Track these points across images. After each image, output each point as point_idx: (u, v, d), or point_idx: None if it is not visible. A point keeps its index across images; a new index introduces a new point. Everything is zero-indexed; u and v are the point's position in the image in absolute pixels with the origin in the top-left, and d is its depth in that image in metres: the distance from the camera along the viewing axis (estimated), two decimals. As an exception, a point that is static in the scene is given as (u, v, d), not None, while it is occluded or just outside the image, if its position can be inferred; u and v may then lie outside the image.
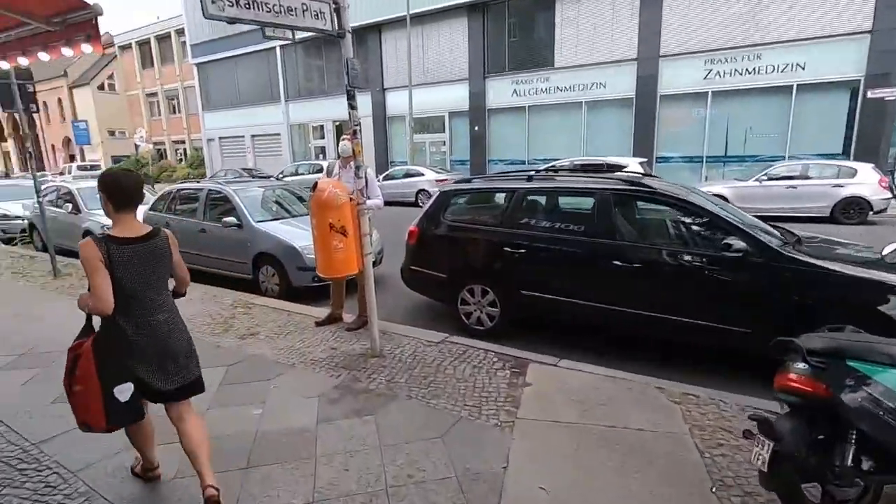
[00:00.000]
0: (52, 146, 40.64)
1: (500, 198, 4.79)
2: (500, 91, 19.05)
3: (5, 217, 10.59)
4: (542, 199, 4.70)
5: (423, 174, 16.26)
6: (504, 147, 19.54)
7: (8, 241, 10.47)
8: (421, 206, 15.80)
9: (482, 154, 19.76)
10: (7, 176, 28.92)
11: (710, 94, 15.34)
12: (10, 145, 45.74)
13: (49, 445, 2.84)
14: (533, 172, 4.95)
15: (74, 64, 37.94)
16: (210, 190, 6.77)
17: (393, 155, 22.46)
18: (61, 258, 8.03)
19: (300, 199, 7.06)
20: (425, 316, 5.23)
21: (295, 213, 6.64)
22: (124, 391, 2.06)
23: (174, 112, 35.00)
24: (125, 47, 36.07)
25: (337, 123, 23.99)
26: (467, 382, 3.50)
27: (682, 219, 4.00)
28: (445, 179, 15.25)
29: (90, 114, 36.70)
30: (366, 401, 3.28)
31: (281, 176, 19.57)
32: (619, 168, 10.25)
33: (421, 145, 21.31)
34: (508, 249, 4.35)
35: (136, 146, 36.40)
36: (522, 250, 4.29)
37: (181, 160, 35.25)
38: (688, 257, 3.70)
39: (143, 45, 34.91)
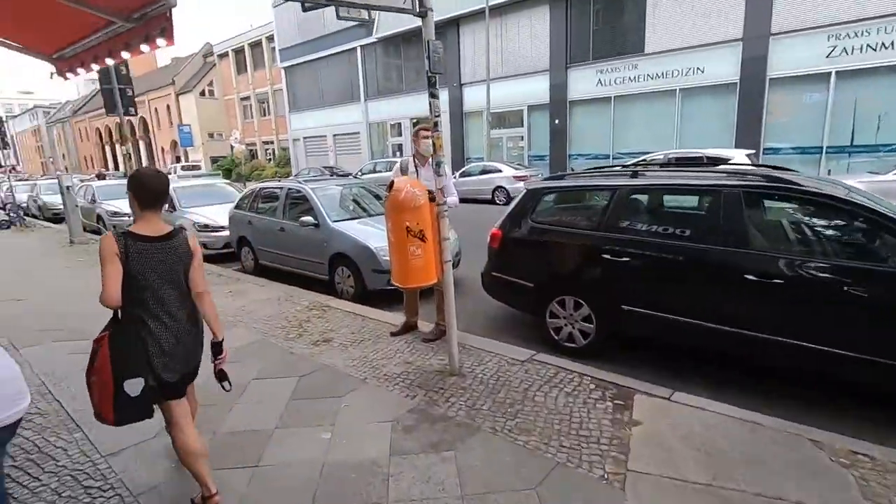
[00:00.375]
0: (162, 148, 44.87)
1: (598, 196, 4.18)
2: (582, 81, 17.97)
3: (116, 214, 11.50)
4: (651, 198, 4.03)
5: (500, 170, 15.69)
6: (586, 141, 18.45)
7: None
8: (497, 203, 15.76)
9: (562, 148, 18.81)
10: (125, 176, 32.37)
11: (833, 74, 13.32)
12: (129, 147, 51.21)
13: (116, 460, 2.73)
14: (637, 167, 4.27)
15: (181, 73, 41.57)
16: (290, 189, 6.74)
17: (469, 151, 22.11)
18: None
19: (377, 197, 6.85)
20: (508, 328, 4.75)
21: (372, 212, 6.43)
22: (134, 386, 2.05)
23: (264, 114, 37.16)
24: (223, 55, 38.84)
25: (414, 120, 24.05)
26: (561, 415, 2.98)
27: (842, 225, 3.18)
28: (525, 176, 14.59)
29: (193, 118, 40.03)
30: (444, 431, 2.87)
31: (359, 174, 19.96)
32: (723, 161, 9.09)
33: (497, 141, 20.75)
34: (608, 257, 3.74)
35: (232, 147, 39.26)
36: (625, 258, 3.67)
37: (270, 160, 37.45)
38: (851, 274, 2.90)
39: (238, 52, 37.37)
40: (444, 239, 3.46)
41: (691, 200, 3.99)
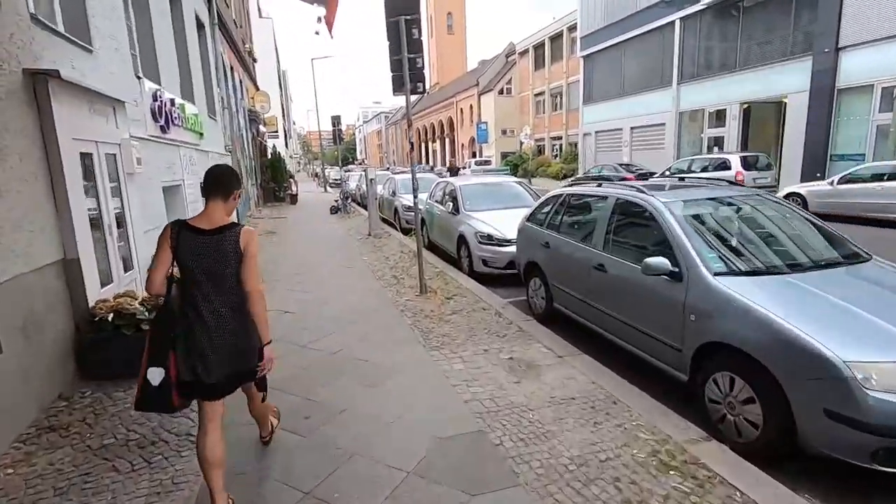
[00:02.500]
0: (462, 144, 49.35)
1: None
2: None
3: (410, 209, 11.30)
4: None
5: (930, 174, 9.65)
6: None
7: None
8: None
9: None
10: (431, 170, 36.33)
11: None
12: (437, 145, 58.73)
13: None
14: None
15: (484, 73, 44.42)
16: (621, 199, 4.17)
17: (835, 146, 15.41)
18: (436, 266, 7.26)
19: (816, 228, 3.62)
20: None
21: (799, 261, 3.30)
22: (155, 375, 2.05)
23: (556, 109, 36.13)
24: (523, 53, 39.46)
25: (745, 106, 18.48)
26: None
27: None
28: None
29: (490, 116, 42.24)
30: None
31: (669, 172, 16.14)
32: None
33: (886, 128, 13.60)
34: None
35: (521, 143, 39.94)
36: None
37: (556, 155, 36.31)
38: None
39: (538, 48, 37.21)
40: None
41: None
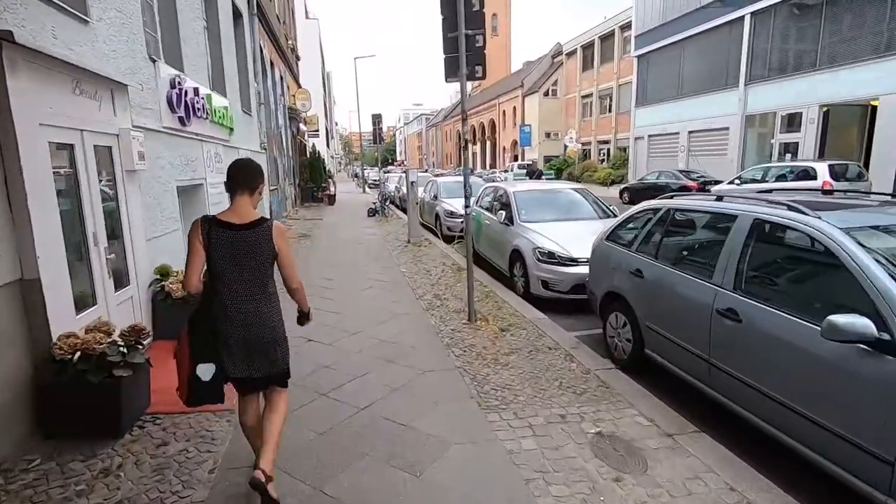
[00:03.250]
0: (504, 147, 48.05)
1: None
2: None
3: (452, 215, 10.30)
4: None
5: None
6: None
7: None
8: None
9: None
10: (471, 172, 35.30)
11: None
12: (477, 148, 57.67)
13: None
14: None
15: (529, 75, 43.06)
16: (762, 219, 2.97)
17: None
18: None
19: None
20: None
21: None
22: (206, 371, 2.07)
23: (604, 112, 34.44)
24: (570, 53, 37.92)
25: (825, 108, 16.60)
26: None
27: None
28: None
29: (534, 118, 40.86)
30: None
31: (738, 182, 14.54)
32: None
33: None
34: None
35: (565, 146, 38.32)
36: None
37: (602, 160, 34.56)
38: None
39: (587, 48, 35.63)
40: None
41: None
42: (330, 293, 6.35)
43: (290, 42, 19.49)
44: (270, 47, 13.92)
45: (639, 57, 26.72)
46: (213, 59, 7.71)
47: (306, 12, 38.64)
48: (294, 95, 19.00)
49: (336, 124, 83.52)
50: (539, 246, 5.81)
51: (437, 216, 10.88)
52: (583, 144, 36.46)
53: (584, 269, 5.02)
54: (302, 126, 21.77)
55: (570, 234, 5.86)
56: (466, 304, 5.16)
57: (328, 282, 6.97)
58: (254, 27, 11.00)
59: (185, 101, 5.73)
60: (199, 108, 6.20)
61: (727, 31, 20.72)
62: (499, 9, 62.42)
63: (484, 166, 53.03)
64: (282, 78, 15.62)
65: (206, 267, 2.08)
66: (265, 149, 10.42)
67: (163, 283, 4.50)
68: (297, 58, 22.18)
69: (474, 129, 57.97)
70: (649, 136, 26.42)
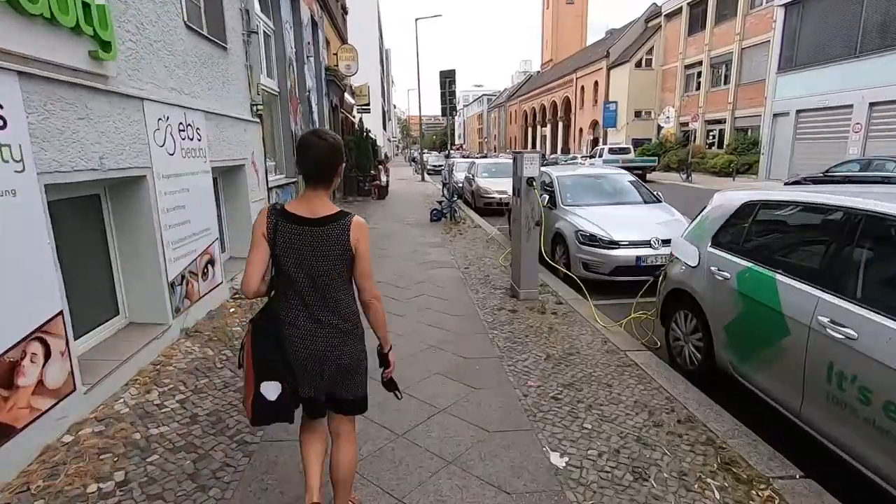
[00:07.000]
0: (581, 129, 41.87)
1: None
2: None
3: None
4: None
5: None
6: None
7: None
8: None
9: None
10: (544, 157, 30.06)
11: None
12: (547, 130, 51.71)
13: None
14: None
15: (616, 44, 36.59)
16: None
17: None
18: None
19: None
20: None
21: None
22: (270, 390, 1.72)
23: (717, 84, 27.78)
24: (672, 14, 31.26)
25: None
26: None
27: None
28: None
29: (622, 94, 34.59)
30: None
31: None
32: None
33: None
34: None
35: (659, 127, 31.99)
36: None
37: (711, 144, 28.06)
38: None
39: (696, 5, 28.92)
40: None
41: None
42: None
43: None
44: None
45: (787, 5, 20.15)
46: None
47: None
48: (336, 54, 14.55)
49: (395, 107, 79.71)
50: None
51: (560, 237, 6.21)
52: (682, 125, 29.99)
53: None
54: (348, 97, 17.37)
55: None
56: None
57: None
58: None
59: None
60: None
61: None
62: (576, -28, 55.55)
63: (554, 150, 47.08)
64: (314, 22, 11.11)
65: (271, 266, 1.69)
66: (259, 113, 5.96)
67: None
68: (345, 9, 17.69)
69: (544, 109, 51.95)
70: (797, 111, 19.97)
